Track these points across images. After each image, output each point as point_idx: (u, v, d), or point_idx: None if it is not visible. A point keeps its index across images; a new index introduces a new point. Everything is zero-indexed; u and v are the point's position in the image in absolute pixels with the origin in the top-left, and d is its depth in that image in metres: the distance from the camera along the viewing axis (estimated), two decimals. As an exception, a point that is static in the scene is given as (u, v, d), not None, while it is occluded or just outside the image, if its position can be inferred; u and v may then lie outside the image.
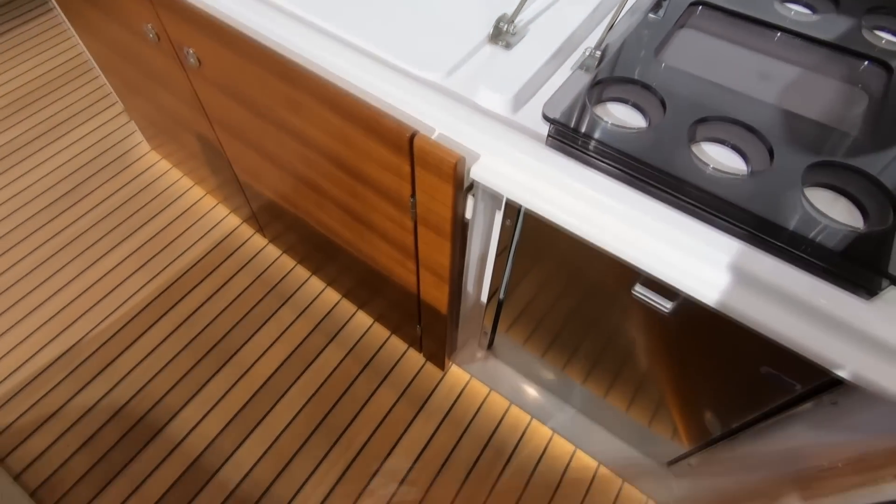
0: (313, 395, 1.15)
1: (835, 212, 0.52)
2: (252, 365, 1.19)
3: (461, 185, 0.61)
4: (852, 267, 0.48)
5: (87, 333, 1.24)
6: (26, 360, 1.20)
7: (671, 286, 0.54)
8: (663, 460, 1.03)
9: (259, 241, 1.41)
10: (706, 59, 0.68)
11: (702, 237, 0.52)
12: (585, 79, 0.63)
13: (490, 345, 1.14)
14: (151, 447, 1.08)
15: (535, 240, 0.74)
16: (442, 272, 0.78)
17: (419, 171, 0.62)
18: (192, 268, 1.36)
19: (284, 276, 1.34)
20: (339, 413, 1.13)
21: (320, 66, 0.68)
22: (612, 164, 0.56)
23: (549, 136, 0.59)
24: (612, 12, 0.70)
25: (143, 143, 1.62)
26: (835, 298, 0.48)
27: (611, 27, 0.68)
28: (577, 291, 0.79)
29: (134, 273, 1.35)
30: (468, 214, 0.67)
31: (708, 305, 0.52)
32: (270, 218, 1.23)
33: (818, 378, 0.56)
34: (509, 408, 1.14)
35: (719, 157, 0.57)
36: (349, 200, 0.82)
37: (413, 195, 0.67)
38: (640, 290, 0.65)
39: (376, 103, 0.63)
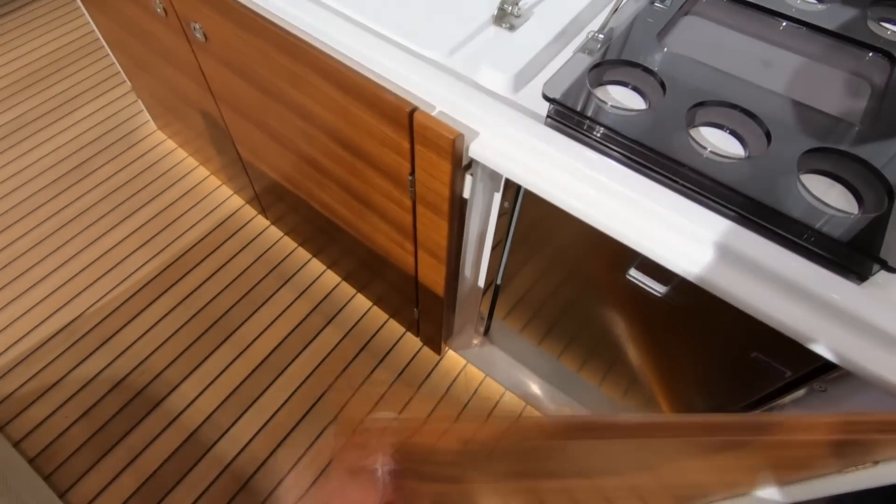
0: (311, 374, 1.16)
1: (830, 197, 0.52)
2: (251, 343, 1.20)
3: (459, 163, 0.61)
4: (845, 251, 0.48)
5: (88, 307, 1.26)
6: (28, 332, 1.21)
7: (664, 267, 0.54)
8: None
9: (262, 222, 1.42)
10: (709, 45, 0.68)
11: (696, 219, 0.52)
12: (587, 61, 0.63)
13: (487, 331, 1.15)
14: (150, 419, 1.10)
15: (532, 222, 0.75)
16: (439, 253, 0.78)
17: (418, 147, 0.62)
18: (194, 246, 1.37)
19: (286, 258, 1.35)
20: (336, 392, 1.14)
21: (323, 42, 0.68)
22: (610, 145, 0.57)
23: (548, 115, 0.59)
24: (617, -4, 0.70)
25: (150, 122, 1.63)
26: (826, 282, 0.48)
27: (615, 10, 0.68)
28: (574, 275, 0.79)
29: (137, 250, 1.36)
30: (466, 193, 0.68)
31: (701, 287, 0.52)
32: (273, 199, 1.24)
33: (808, 364, 0.56)
34: (504, 394, 1.15)
35: (717, 141, 0.57)
36: (350, 179, 0.83)
37: (412, 173, 0.67)
38: (634, 274, 0.66)
39: (377, 79, 0.63)
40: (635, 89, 0.62)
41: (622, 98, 0.61)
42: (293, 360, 1.18)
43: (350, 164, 0.79)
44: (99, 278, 1.31)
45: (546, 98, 0.58)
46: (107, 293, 1.28)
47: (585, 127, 0.57)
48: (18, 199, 1.46)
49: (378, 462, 0.41)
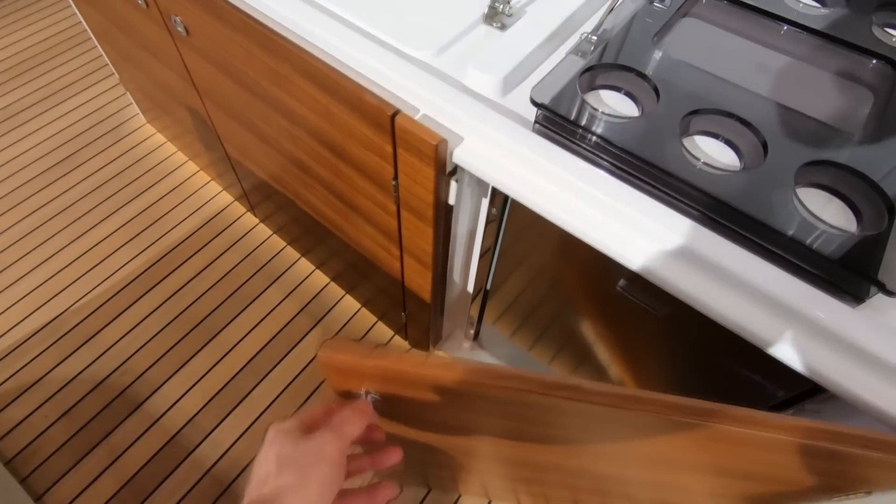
0: (296, 376, 1.14)
1: (827, 213, 0.49)
2: (236, 344, 1.18)
3: (443, 169, 0.59)
4: (840, 271, 0.46)
5: (72, 304, 1.23)
6: (9, 329, 1.19)
7: (652, 283, 0.52)
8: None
9: (250, 220, 1.39)
10: (707, 49, 0.65)
11: (687, 234, 0.50)
12: (579, 64, 0.60)
13: (476, 335, 1.13)
14: (131, 420, 1.08)
15: (522, 228, 0.73)
16: (425, 259, 0.76)
17: (401, 152, 0.60)
18: (181, 243, 1.34)
19: (274, 257, 1.32)
20: (321, 396, 1.12)
21: (304, 38, 0.65)
22: (600, 154, 0.54)
23: (536, 121, 0.57)
24: (613, -4, 0.67)
25: (139, 115, 1.60)
26: (820, 303, 0.46)
27: (610, 11, 0.65)
28: (564, 283, 0.77)
29: (123, 246, 1.34)
30: (451, 200, 0.65)
31: (689, 305, 0.50)
32: (261, 197, 1.21)
33: (801, 386, 0.54)
34: (493, 399, 1.13)
35: (711, 151, 0.55)
36: (334, 181, 0.80)
37: (395, 177, 0.65)
38: (624, 286, 0.63)
39: (360, 79, 0.61)
40: (628, 94, 0.59)
41: (614, 104, 0.58)
42: (279, 363, 1.16)
43: (334, 165, 0.76)
44: (83, 274, 1.29)
45: (534, 103, 0.56)
46: (91, 290, 1.26)
47: (574, 135, 0.55)
48: (3, 192, 1.43)
49: (362, 389, 0.41)
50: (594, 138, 0.54)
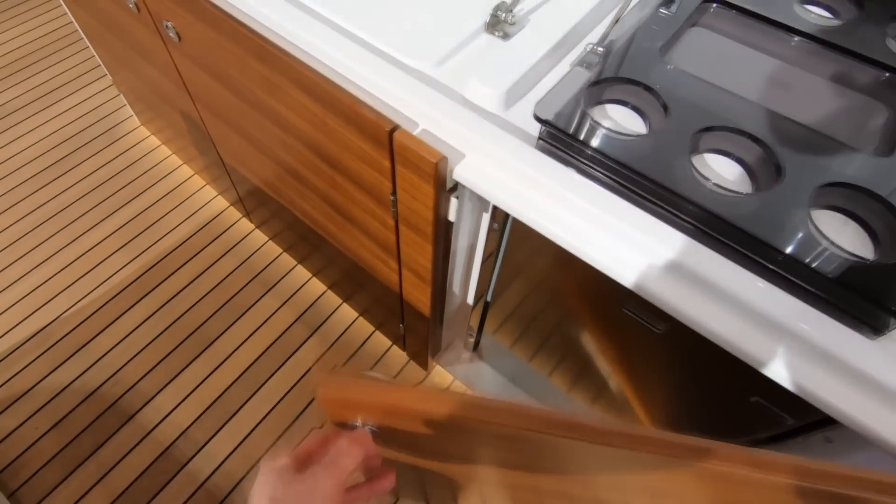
0: (291, 388, 1.12)
1: (843, 238, 0.47)
2: (231, 354, 1.16)
3: (443, 186, 0.57)
4: (858, 301, 0.44)
5: (63, 312, 1.21)
6: (0, 336, 1.17)
7: (658, 307, 0.50)
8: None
9: (246, 225, 1.37)
10: (716, 61, 0.63)
11: (696, 258, 0.48)
12: (584, 77, 0.58)
13: (476, 346, 1.11)
14: (123, 433, 1.05)
15: (524, 243, 0.70)
16: (424, 274, 0.74)
17: (399, 168, 0.58)
18: (175, 249, 1.32)
19: (269, 264, 1.30)
20: (316, 409, 1.10)
21: (299, 48, 0.63)
22: (606, 172, 0.52)
23: (539, 138, 0.55)
24: (619, 5, 0.65)
25: (133, 117, 1.58)
26: (836, 334, 0.44)
27: (616, 21, 0.63)
28: (567, 298, 0.75)
29: (116, 251, 1.31)
30: (452, 216, 0.63)
31: (699, 332, 0.48)
32: (256, 203, 1.19)
33: (812, 415, 0.52)
34: (492, 411, 1.11)
35: (722, 171, 0.52)
36: (330, 192, 0.78)
37: (394, 193, 0.63)
38: (630, 308, 0.61)
39: (357, 91, 0.58)
40: (635, 109, 0.57)
41: (621, 119, 0.56)
42: (274, 373, 1.13)
43: (330, 177, 0.74)
44: (76, 280, 1.26)
45: (539, 119, 0.54)
46: (83, 297, 1.24)
47: (580, 153, 0.53)
48: (-6, 196, 1.41)
49: (359, 420, 0.40)
50: (601, 157, 0.52)
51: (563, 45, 0.64)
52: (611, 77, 0.58)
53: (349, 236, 0.86)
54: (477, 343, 1.10)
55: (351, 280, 1.07)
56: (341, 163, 0.68)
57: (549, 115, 0.53)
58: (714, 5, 0.69)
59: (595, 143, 0.52)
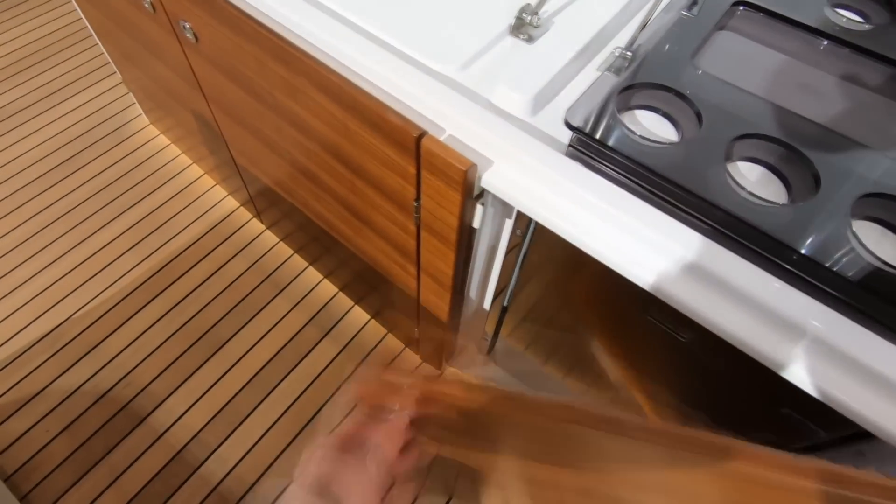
0: (304, 391, 1.11)
1: (883, 249, 0.46)
2: (243, 356, 1.15)
3: (471, 194, 0.56)
4: (903, 315, 0.43)
5: (74, 313, 1.20)
6: (9, 338, 1.16)
7: (689, 316, 0.49)
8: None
9: (257, 226, 1.36)
10: (746, 66, 0.62)
11: (733, 270, 0.47)
12: (613, 82, 0.57)
13: (490, 349, 1.10)
14: (134, 436, 1.05)
15: (546, 250, 0.69)
16: (444, 280, 0.73)
17: (425, 174, 0.57)
18: (186, 250, 1.31)
19: (281, 265, 1.29)
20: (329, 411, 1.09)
21: (322, 51, 0.62)
22: (639, 181, 0.51)
23: (570, 145, 0.54)
24: (647, 8, 0.64)
25: (142, 115, 1.56)
26: (878, 349, 0.43)
27: (644, 25, 0.62)
28: (587, 305, 0.74)
29: (126, 252, 1.31)
30: (476, 223, 0.62)
31: (738, 348, 0.47)
32: (268, 204, 1.18)
33: (846, 429, 0.51)
34: (505, 416, 1.10)
35: (758, 180, 0.51)
36: (349, 196, 0.77)
37: (417, 199, 0.62)
38: (655, 317, 0.60)
39: (379, 94, 0.57)
40: (666, 115, 0.56)
41: (652, 126, 0.55)
42: (286, 376, 1.13)
43: (349, 181, 0.73)
44: (86, 281, 1.25)
45: (569, 126, 0.53)
46: (93, 298, 1.23)
47: (612, 160, 0.52)
48: (2, 195, 1.40)
49: (397, 405, 0.40)
50: (634, 165, 0.50)
51: (589, 49, 0.63)
52: (640, 82, 0.57)
53: (365, 240, 0.85)
54: (492, 346, 1.09)
55: (364, 282, 1.06)
56: (361, 167, 0.67)
57: (580, 122, 0.52)
58: (742, 8, 0.67)
59: (627, 150, 0.51)
